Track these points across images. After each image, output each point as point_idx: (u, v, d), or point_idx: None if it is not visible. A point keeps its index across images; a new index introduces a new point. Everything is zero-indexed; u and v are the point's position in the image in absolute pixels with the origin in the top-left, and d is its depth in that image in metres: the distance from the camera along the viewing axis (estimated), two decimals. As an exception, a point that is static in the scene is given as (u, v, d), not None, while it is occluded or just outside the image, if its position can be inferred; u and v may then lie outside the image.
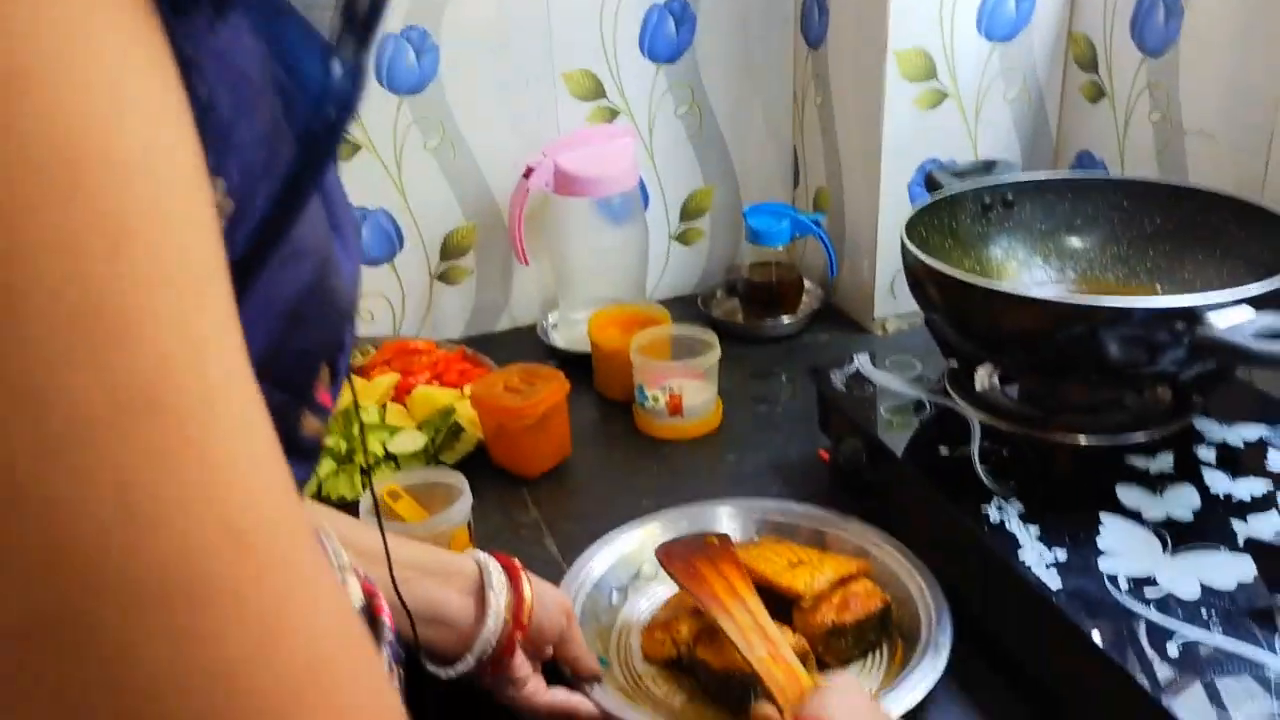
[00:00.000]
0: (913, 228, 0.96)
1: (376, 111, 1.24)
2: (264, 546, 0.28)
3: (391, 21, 1.20)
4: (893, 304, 1.30)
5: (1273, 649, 0.64)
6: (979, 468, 0.84)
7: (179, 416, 0.26)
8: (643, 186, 1.38)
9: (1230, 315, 0.76)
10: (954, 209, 1.04)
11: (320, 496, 1.02)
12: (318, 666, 0.29)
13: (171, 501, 0.26)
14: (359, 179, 1.26)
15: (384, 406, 1.14)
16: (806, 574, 0.82)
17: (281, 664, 0.28)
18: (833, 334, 1.33)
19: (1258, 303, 0.77)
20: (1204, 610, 0.68)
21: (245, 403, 0.29)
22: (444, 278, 1.36)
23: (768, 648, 0.72)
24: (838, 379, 1.00)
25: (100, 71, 0.26)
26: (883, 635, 0.82)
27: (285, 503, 0.29)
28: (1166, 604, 0.69)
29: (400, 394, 1.18)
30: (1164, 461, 0.84)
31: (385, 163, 1.27)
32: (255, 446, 0.29)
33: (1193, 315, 0.76)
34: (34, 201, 0.24)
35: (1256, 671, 0.63)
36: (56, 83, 0.25)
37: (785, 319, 1.34)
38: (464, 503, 0.90)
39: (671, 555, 0.82)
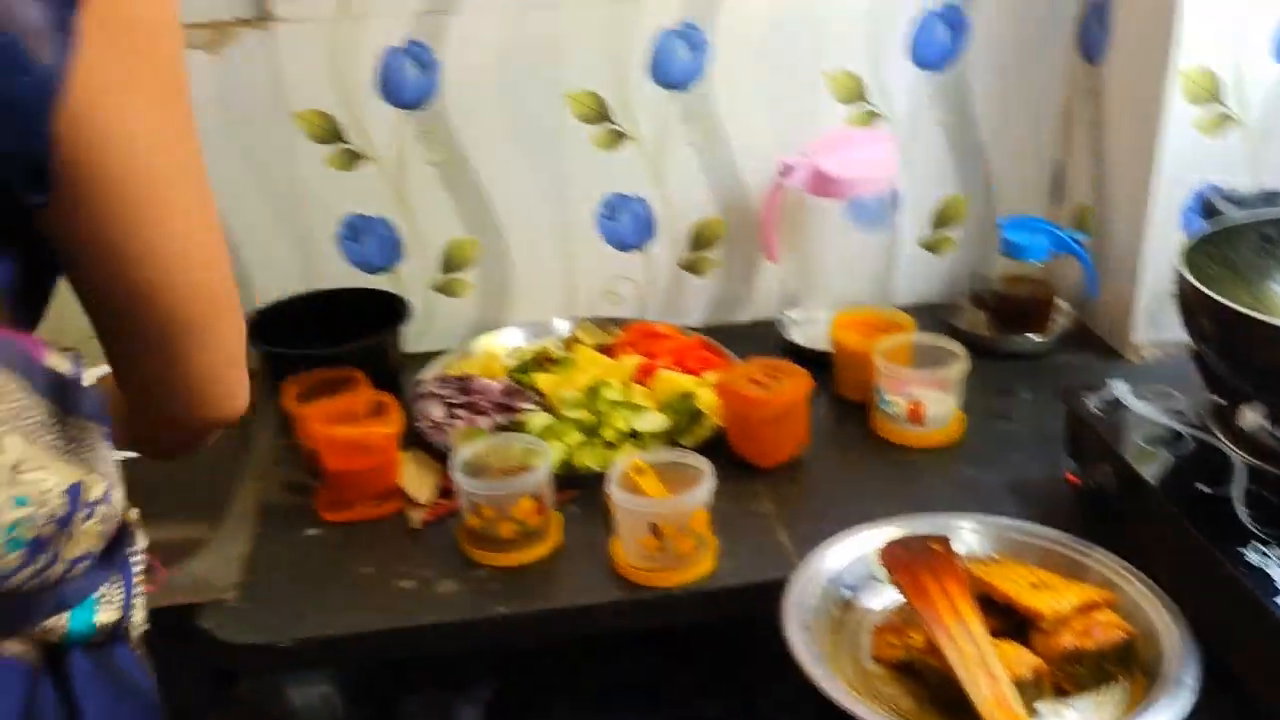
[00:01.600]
0: (1189, 256, 0.92)
1: (645, 105, 1.29)
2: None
3: (667, 16, 1.25)
4: (1152, 330, 1.25)
5: None
6: (1241, 509, 0.81)
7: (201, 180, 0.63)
8: (895, 191, 1.38)
9: None
10: (1232, 239, 0.99)
11: (570, 465, 1.08)
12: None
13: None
14: (621, 169, 1.32)
15: (627, 386, 1.20)
16: (1050, 596, 0.81)
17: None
18: (1083, 356, 1.30)
19: None
20: None
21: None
22: (691, 267, 1.40)
23: (991, 687, 0.73)
24: (1092, 402, 0.98)
25: None
26: (1122, 668, 0.80)
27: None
28: None
29: (643, 376, 1.23)
30: None
31: (649, 154, 1.32)
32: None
33: None
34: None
35: None
36: None
37: (1034, 336, 1.31)
38: (706, 486, 0.94)
39: (896, 560, 0.84)
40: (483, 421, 1.16)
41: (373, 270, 1.34)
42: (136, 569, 0.68)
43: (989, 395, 1.22)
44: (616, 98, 1.29)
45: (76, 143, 0.53)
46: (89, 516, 0.59)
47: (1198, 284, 0.86)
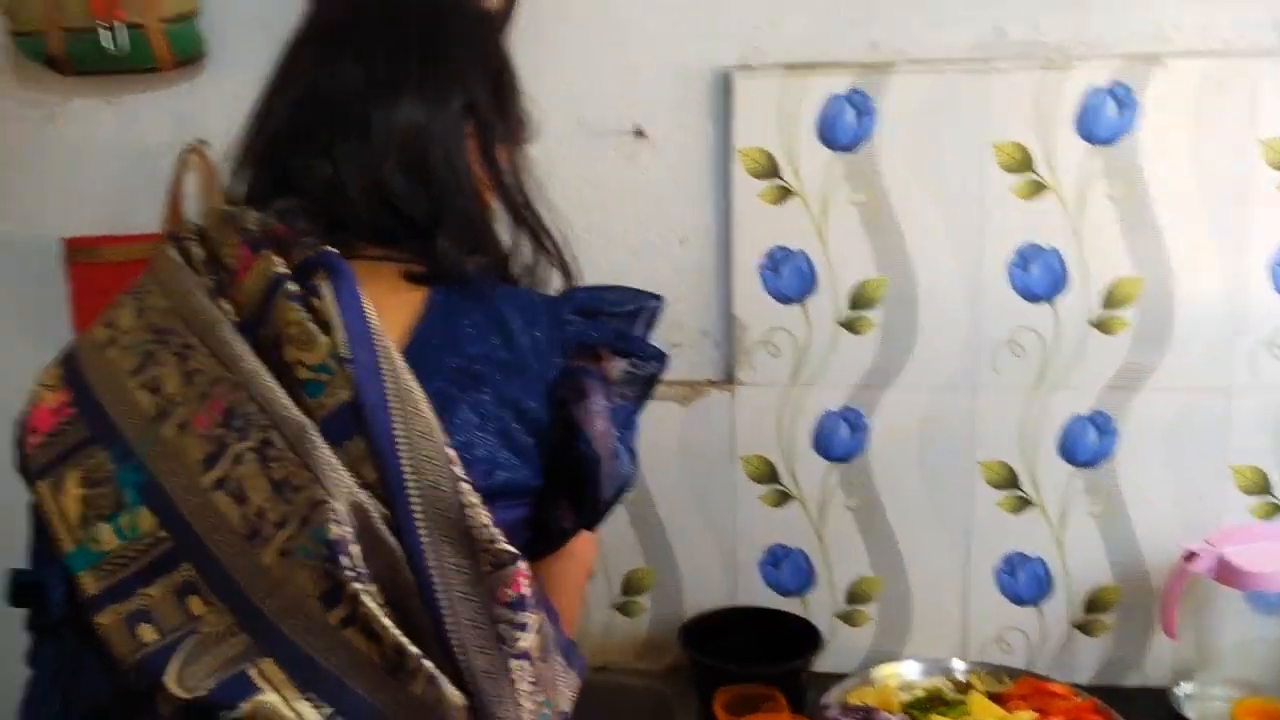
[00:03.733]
0: None
1: (1051, 479, 1.43)
2: None
3: (1083, 404, 1.41)
4: None
5: None
6: None
7: None
8: (1300, 581, 1.41)
9: None
10: None
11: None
12: None
13: None
14: (1023, 528, 1.45)
15: (1021, 743, 1.28)
16: None
17: None
18: None
19: None
20: None
21: None
22: (1083, 628, 1.48)
23: None
24: None
25: None
26: None
27: None
28: None
29: (1036, 734, 1.30)
30: None
31: (1050, 516, 1.44)
32: None
33: None
34: None
35: None
36: None
37: None
38: None
39: None
40: (882, 755, 1.28)
41: (787, 594, 1.53)
42: None
43: None
44: (1025, 468, 1.44)
45: None
46: None
47: None
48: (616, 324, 0.90)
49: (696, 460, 1.50)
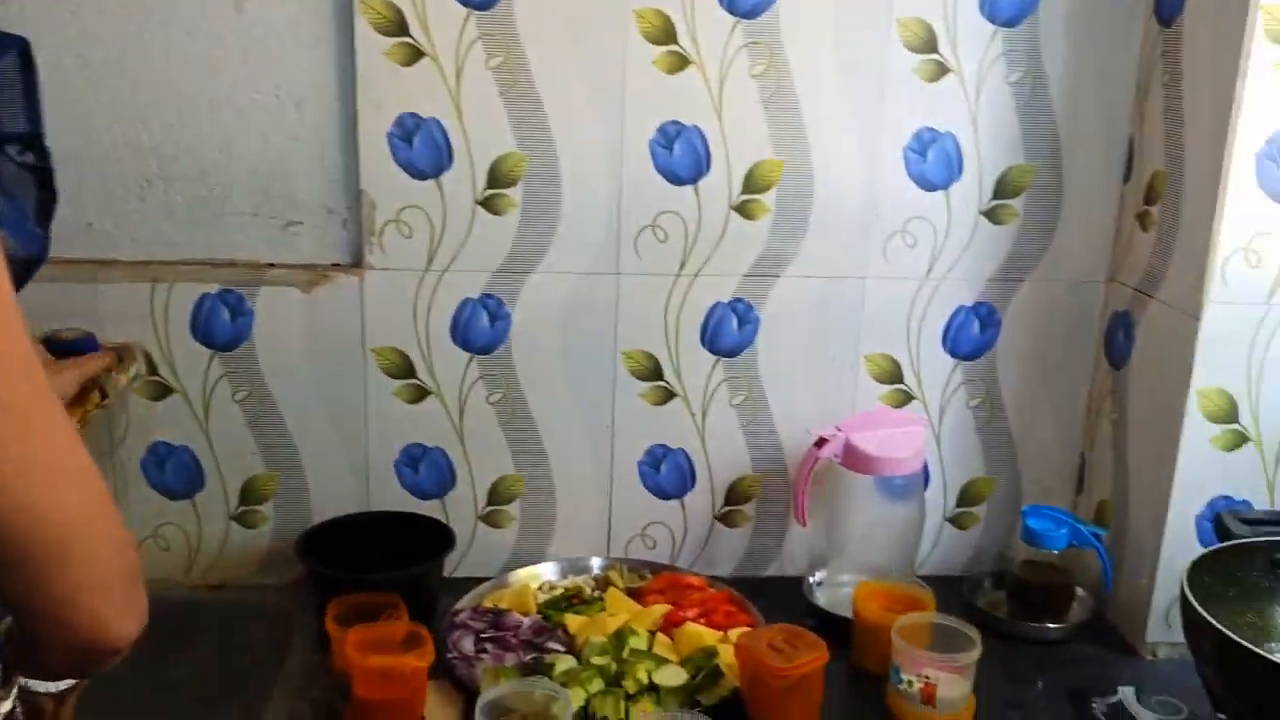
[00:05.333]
0: (1196, 572, 0.97)
1: (692, 367, 1.39)
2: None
3: (723, 290, 1.36)
4: (1167, 632, 1.28)
5: None
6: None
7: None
8: (925, 467, 1.45)
9: None
10: (1241, 558, 1.05)
11: (588, 713, 1.12)
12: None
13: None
14: (668, 419, 1.41)
15: (653, 635, 1.24)
16: None
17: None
18: (1100, 649, 1.32)
19: None
20: None
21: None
22: (725, 520, 1.47)
23: None
24: (1099, 708, 1.01)
25: None
26: None
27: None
28: None
29: (669, 625, 1.27)
30: None
31: (692, 410, 1.41)
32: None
33: None
34: None
35: None
36: None
37: (1051, 625, 1.34)
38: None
39: None
40: (509, 658, 1.20)
41: (425, 497, 1.42)
42: None
43: (1003, 682, 1.25)
44: (668, 358, 1.39)
45: None
46: None
47: (1200, 608, 0.91)
48: None
49: (322, 353, 1.35)
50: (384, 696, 1.09)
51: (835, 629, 1.29)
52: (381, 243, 1.32)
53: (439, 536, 1.35)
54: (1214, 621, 0.88)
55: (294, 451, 1.38)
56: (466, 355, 1.37)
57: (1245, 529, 1.06)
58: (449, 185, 1.31)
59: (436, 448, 1.41)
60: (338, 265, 1.34)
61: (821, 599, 1.39)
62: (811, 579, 1.43)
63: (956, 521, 1.50)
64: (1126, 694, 1.02)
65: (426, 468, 1.41)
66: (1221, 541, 1.07)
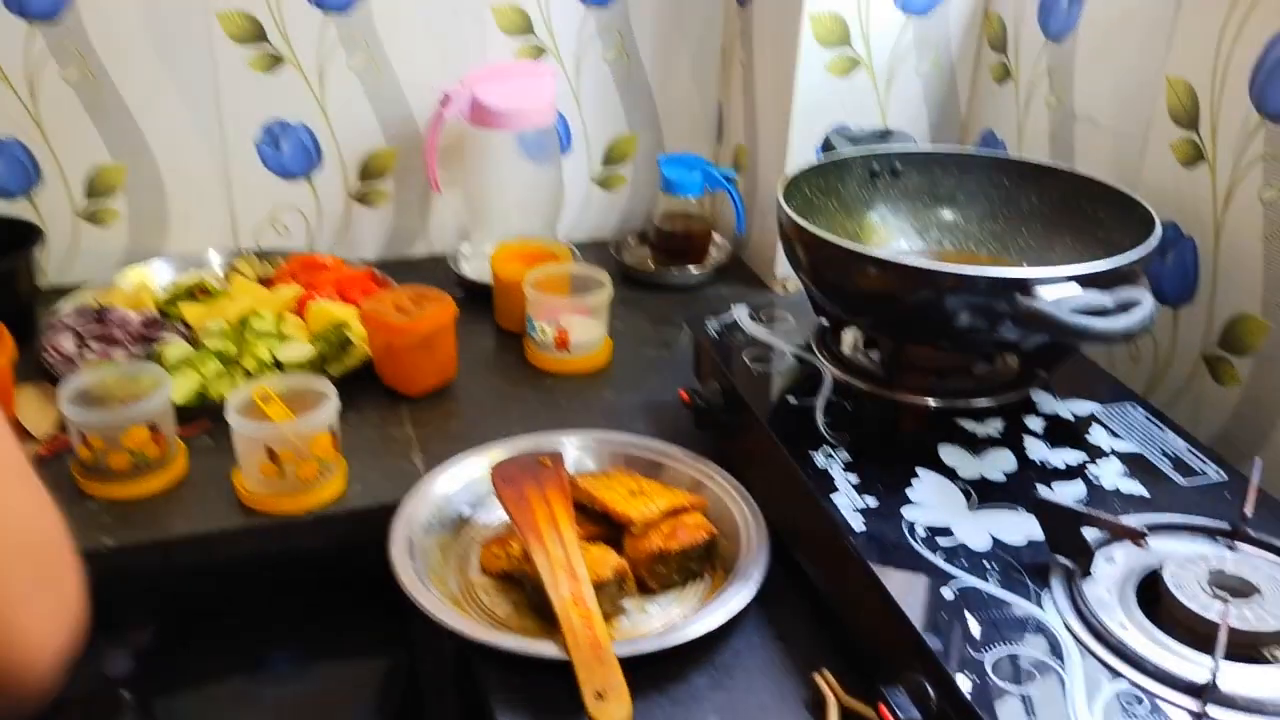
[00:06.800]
0: (793, 187, 0.98)
1: (302, 25, 1.25)
2: None
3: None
4: (794, 264, 1.33)
5: (1038, 601, 0.69)
6: (819, 417, 0.88)
7: None
8: (565, 128, 1.40)
9: (1057, 290, 0.80)
10: (842, 172, 1.07)
11: (205, 396, 1.05)
12: None
13: None
14: (280, 92, 1.28)
15: (281, 316, 1.17)
16: (641, 503, 0.86)
17: None
18: (736, 288, 1.36)
19: (1087, 281, 0.80)
20: (988, 561, 0.72)
21: None
22: (363, 199, 1.38)
23: (571, 587, 0.77)
24: (712, 326, 1.04)
25: None
26: (705, 565, 0.86)
27: None
28: (955, 553, 0.73)
29: (301, 307, 1.20)
30: (992, 426, 0.88)
31: (308, 78, 1.28)
32: None
33: (1024, 286, 0.80)
34: None
35: (1013, 616, 0.67)
36: None
37: (693, 269, 1.37)
38: (326, 409, 0.93)
39: (505, 477, 0.86)
40: (118, 354, 1.10)
41: (8, 196, 1.25)
42: None
43: (647, 325, 1.27)
44: (270, 18, 1.24)
45: None
46: None
47: (789, 211, 0.92)
48: None
49: None
50: (-47, 400, 0.98)
51: (482, 297, 1.26)
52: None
53: (24, 235, 1.19)
54: (801, 222, 0.89)
55: None
56: (24, 23, 1.17)
57: (848, 145, 1.08)
58: None
59: (10, 139, 1.22)
60: None
61: (468, 270, 1.36)
62: (458, 252, 1.38)
63: (604, 184, 1.47)
64: (739, 311, 1.05)
65: (3, 162, 1.23)
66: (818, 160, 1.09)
